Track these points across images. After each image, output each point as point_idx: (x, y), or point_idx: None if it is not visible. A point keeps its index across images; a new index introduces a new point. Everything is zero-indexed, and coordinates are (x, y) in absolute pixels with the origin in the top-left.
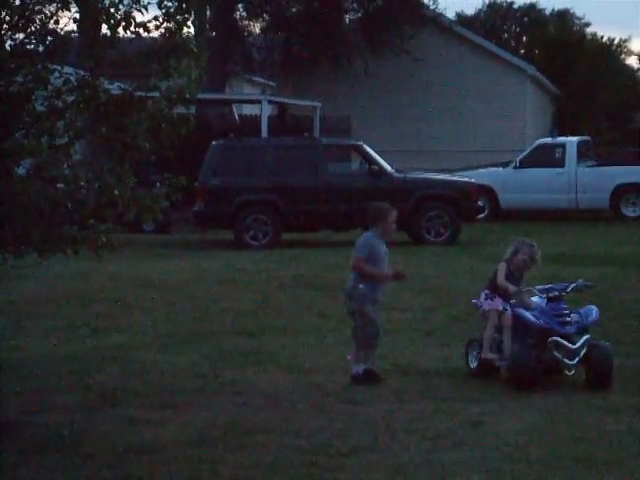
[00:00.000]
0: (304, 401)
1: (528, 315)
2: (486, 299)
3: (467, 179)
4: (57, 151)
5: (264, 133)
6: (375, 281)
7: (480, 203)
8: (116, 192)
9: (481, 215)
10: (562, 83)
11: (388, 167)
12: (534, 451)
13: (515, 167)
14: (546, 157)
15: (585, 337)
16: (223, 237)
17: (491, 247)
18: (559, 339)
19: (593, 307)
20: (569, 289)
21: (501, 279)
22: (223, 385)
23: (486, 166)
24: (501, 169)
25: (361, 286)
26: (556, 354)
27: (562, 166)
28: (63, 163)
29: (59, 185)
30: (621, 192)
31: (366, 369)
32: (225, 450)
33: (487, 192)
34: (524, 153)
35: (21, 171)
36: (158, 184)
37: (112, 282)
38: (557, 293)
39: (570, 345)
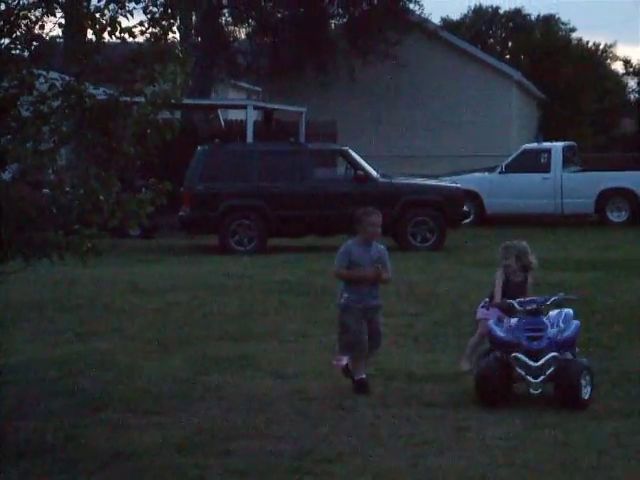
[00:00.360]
0: (289, 406)
1: (495, 328)
2: (482, 307)
3: (453, 184)
4: (42, 156)
5: (250, 138)
6: (360, 286)
7: (466, 208)
8: (101, 197)
9: (467, 220)
10: (548, 88)
11: (374, 172)
12: (519, 456)
13: (501, 172)
14: (532, 162)
15: (550, 355)
16: (209, 242)
17: (477, 252)
18: (519, 355)
19: (574, 322)
20: (548, 302)
21: (495, 288)
22: (208, 390)
23: (472, 171)
24: (487, 174)
25: (345, 295)
26: (520, 371)
27: (547, 171)
28: (48, 168)
29: (44, 190)
30: (606, 197)
31: (359, 379)
32: (210, 456)
33: (473, 197)
34: (510, 158)
35: (6, 176)
36: (143, 189)
37: (97, 287)
38: (535, 306)
39: (531, 362)
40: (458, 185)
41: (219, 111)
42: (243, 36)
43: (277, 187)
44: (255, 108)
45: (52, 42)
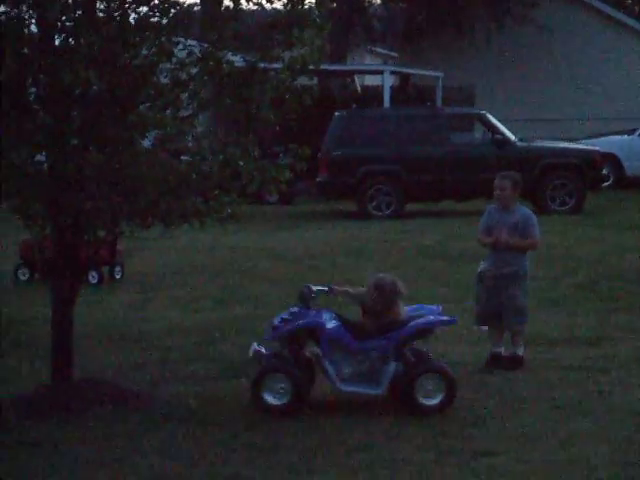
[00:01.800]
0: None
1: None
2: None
3: (591, 147)
4: (181, 123)
5: (386, 103)
6: (494, 252)
7: (605, 171)
8: (240, 163)
9: (606, 183)
10: None
11: (512, 136)
12: None
13: None
14: None
15: (253, 346)
16: (346, 208)
17: (616, 215)
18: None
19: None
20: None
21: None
22: None
23: (610, 134)
24: (626, 137)
25: (482, 263)
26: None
27: None
28: (187, 135)
29: (183, 157)
30: None
31: (491, 352)
32: (351, 416)
33: (612, 160)
34: None
35: (146, 143)
36: (281, 155)
37: (236, 254)
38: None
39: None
40: (597, 148)
41: (356, 77)
42: (379, 1)
43: (414, 152)
44: (392, 73)
45: (190, 9)
